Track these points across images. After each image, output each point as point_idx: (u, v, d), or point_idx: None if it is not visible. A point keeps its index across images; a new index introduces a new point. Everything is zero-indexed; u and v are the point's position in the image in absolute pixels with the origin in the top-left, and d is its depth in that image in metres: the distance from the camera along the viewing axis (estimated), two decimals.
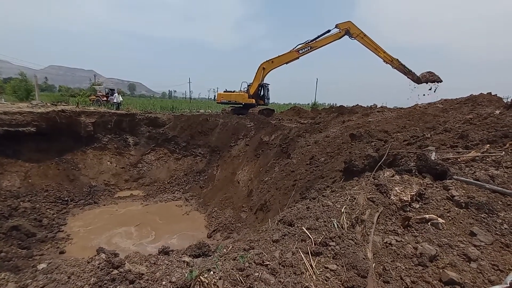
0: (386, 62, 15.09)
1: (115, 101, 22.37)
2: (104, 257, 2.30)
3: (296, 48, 17.23)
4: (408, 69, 14.70)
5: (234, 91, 20.60)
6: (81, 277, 2.11)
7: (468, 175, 3.54)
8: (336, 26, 15.87)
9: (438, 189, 3.26)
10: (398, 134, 6.70)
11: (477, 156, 4.01)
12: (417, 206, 3.03)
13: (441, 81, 14.10)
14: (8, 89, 25.70)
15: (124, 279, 2.08)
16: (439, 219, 2.73)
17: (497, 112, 5.99)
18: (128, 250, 8.38)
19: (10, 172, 11.77)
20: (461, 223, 2.73)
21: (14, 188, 11.39)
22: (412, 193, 3.10)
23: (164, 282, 2.13)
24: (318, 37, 16.67)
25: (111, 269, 2.16)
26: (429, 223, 2.72)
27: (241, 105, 20.27)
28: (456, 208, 2.92)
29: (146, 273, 2.22)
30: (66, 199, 12.25)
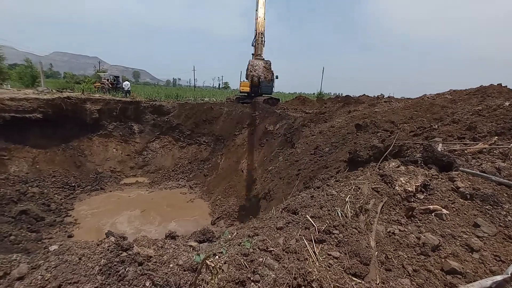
0: None
1: (126, 89, 22.75)
2: (113, 240, 2.37)
3: None
4: None
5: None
6: (92, 258, 2.19)
7: (475, 167, 3.52)
8: None
9: (443, 181, 3.25)
10: (405, 125, 6.63)
11: (485, 148, 3.96)
12: (422, 197, 3.04)
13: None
14: (14, 76, 25.80)
15: (133, 261, 2.15)
16: (443, 210, 2.74)
17: (507, 103, 5.86)
18: (135, 234, 8.60)
19: (18, 157, 11.99)
20: (465, 214, 2.73)
21: (22, 173, 11.63)
22: (417, 184, 3.10)
23: (171, 265, 2.20)
24: None
25: (120, 252, 2.23)
26: (433, 214, 2.73)
27: (245, 94, 20.38)
28: (461, 200, 2.92)
29: (154, 256, 2.29)
30: (73, 185, 12.51)
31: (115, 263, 2.11)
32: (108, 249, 2.24)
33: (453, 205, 2.85)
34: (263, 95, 20.65)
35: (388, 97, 13.59)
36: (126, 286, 1.98)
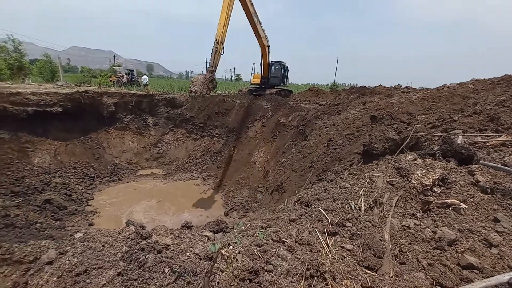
0: None
1: (145, 82, 23.40)
2: (133, 229, 2.48)
3: None
4: None
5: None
6: (114, 246, 2.31)
7: (496, 160, 3.39)
8: None
9: (462, 174, 3.16)
10: (423, 116, 6.42)
11: (508, 140, 3.80)
12: (439, 190, 2.97)
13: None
14: (35, 71, 26.76)
15: (152, 249, 2.26)
16: (461, 204, 2.68)
17: None
18: (151, 224, 8.91)
19: (40, 150, 12.57)
20: (484, 209, 2.66)
21: (45, 164, 12.20)
22: (434, 178, 3.03)
23: (188, 253, 2.29)
24: None
25: (140, 240, 2.35)
26: (450, 208, 2.68)
27: (257, 86, 20.38)
28: (481, 194, 2.84)
29: (172, 244, 2.39)
30: (92, 175, 13.01)
31: (136, 250, 2.22)
32: (129, 237, 2.36)
33: (472, 200, 2.77)
34: (275, 87, 20.49)
35: (406, 87, 13.15)
36: (147, 272, 2.09)
